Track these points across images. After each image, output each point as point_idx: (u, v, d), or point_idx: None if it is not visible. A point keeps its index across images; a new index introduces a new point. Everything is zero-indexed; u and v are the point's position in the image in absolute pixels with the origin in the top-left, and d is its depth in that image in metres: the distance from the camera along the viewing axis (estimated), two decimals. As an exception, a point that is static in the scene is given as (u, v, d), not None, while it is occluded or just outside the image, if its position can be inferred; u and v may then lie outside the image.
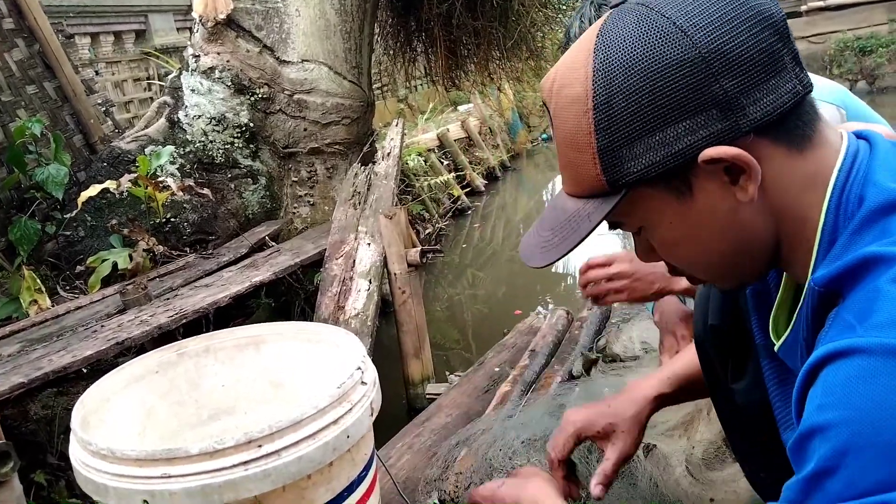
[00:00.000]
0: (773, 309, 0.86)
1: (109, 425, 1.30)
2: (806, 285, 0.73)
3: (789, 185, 0.71)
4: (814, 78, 1.50)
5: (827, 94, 1.43)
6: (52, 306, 3.43)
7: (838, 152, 0.72)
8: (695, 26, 0.68)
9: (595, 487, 1.12)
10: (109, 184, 3.78)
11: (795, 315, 0.77)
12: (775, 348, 0.84)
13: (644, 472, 1.54)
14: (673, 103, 0.68)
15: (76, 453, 1.11)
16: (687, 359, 1.20)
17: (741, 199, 0.70)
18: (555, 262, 0.78)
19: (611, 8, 0.74)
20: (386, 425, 2.80)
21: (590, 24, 1.57)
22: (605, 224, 0.78)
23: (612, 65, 0.69)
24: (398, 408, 4.33)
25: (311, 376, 1.42)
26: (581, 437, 1.17)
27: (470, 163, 9.62)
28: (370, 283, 3.57)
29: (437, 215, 7.69)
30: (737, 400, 1.04)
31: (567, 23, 1.62)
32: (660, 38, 0.68)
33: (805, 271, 0.72)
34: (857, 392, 0.59)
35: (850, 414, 0.58)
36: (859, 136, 0.75)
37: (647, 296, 1.48)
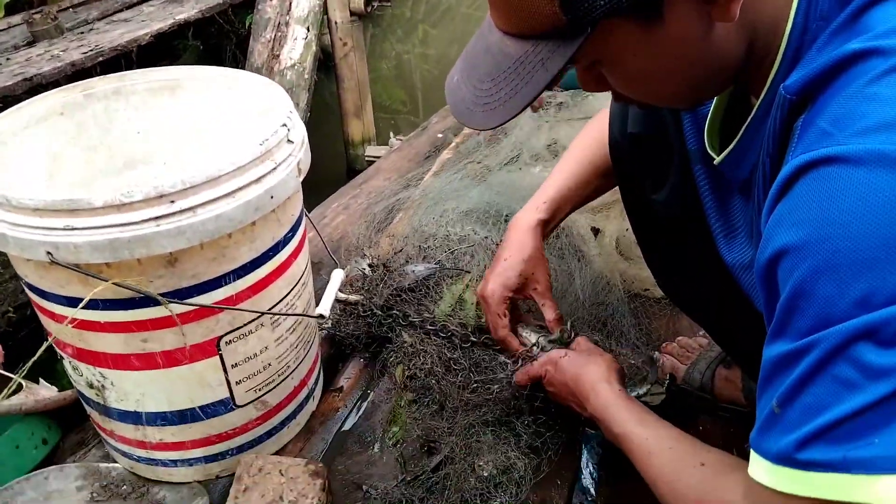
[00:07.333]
0: (708, 121, 0.81)
1: (11, 171, 1.18)
2: (761, 96, 0.67)
3: None
4: None
5: None
6: (-50, 32, 3.08)
7: None
8: None
9: (554, 322, 1.18)
10: None
11: (744, 128, 0.72)
12: (715, 162, 0.79)
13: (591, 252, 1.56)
14: None
15: (-31, 199, 1.01)
16: (558, 179, 1.19)
17: (718, 20, 0.63)
18: (505, 122, 0.67)
19: None
20: (324, 183, 2.76)
21: None
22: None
23: None
24: (338, 167, 4.27)
25: (235, 128, 1.31)
26: (506, 302, 1.18)
27: None
28: (308, 30, 3.30)
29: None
30: (656, 211, 0.98)
31: None
32: None
33: (763, 83, 0.67)
34: (835, 206, 0.52)
35: (829, 231, 0.52)
36: None
37: None
